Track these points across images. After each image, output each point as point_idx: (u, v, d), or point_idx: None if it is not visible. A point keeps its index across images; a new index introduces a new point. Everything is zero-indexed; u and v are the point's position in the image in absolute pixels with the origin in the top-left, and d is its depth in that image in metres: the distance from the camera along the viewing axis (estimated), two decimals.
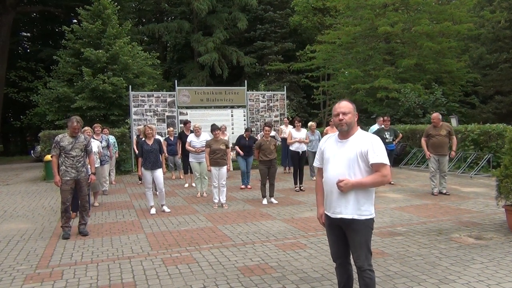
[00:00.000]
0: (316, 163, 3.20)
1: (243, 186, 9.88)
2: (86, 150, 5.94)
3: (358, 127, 3.02)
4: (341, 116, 2.92)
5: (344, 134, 2.97)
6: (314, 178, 10.70)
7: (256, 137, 11.07)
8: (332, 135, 3.15)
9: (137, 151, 8.14)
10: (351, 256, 3.04)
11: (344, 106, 2.96)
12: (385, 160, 2.87)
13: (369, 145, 2.87)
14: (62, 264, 4.61)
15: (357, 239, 2.92)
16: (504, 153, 5.92)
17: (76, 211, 6.55)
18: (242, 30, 25.93)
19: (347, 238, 3.00)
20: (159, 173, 7.23)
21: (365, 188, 2.88)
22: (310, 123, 10.43)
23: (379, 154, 2.85)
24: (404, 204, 7.44)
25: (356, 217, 2.87)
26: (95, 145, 7.76)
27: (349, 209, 2.88)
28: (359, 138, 2.94)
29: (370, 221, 2.94)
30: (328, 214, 3.02)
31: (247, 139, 9.68)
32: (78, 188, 5.84)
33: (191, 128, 10.52)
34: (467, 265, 4.21)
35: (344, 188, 2.83)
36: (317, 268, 4.26)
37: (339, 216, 2.92)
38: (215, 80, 26.33)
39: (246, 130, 10.07)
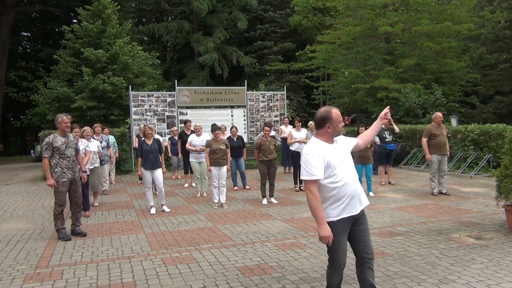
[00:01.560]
0: (319, 175, 2.88)
1: (236, 188, 9.78)
2: (75, 149, 5.89)
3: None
4: (342, 124, 3.13)
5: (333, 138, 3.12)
6: None
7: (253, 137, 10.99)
8: (316, 143, 3.00)
9: None
10: (362, 251, 3.08)
11: None
12: None
13: (343, 137, 3.18)
14: (62, 264, 4.61)
15: (367, 226, 3.11)
16: (504, 153, 5.92)
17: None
18: (242, 30, 25.93)
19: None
20: (158, 173, 7.23)
21: None
22: (310, 123, 10.43)
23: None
24: (404, 204, 7.44)
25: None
26: (95, 145, 7.76)
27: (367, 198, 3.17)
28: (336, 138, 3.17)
29: None
30: (352, 214, 2.97)
31: (235, 139, 9.34)
32: (74, 189, 5.78)
33: (192, 128, 10.51)
34: (467, 265, 4.21)
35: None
36: (317, 268, 4.26)
37: (365, 205, 3.09)
38: (215, 80, 26.33)
39: (231, 128, 9.63)
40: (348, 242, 3.06)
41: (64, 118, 5.66)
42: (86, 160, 6.89)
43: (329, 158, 2.92)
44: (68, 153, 5.67)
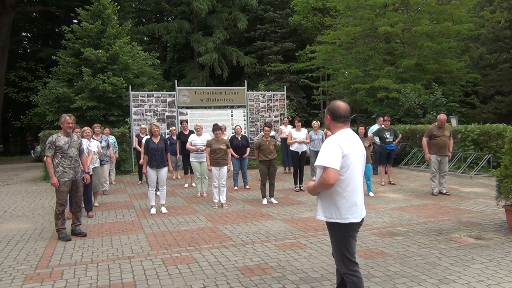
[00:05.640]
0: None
1: (236, 188, 9.77)
2: (79, 150, 5.89)
3: (342, 129, 2.94)
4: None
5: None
6: (314, 178, 10.70)
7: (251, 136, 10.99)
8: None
9: (138, 149, 8.10)
10: None
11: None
12: (323, 161, 2.76)
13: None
14: (62, 264, 4.61)
15: (331, 241, 3.06)
16: (504, 153, 5.92)
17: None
18: (242, 30, 25.94)
19: None
20: (163, 171, 7.27)
21: (317, 191, 2.93)
22: (313, 122, 10.41)
23: (320, 157, 2.83)
24: (404, 204, 7.43)
25: (324, 219, 2.96)
26: (95, 145, 7.75)
27: (318, 210, 3.03)
28: None
29: (336, 225, 2.89)
30: None
31: (239, 138, 9.52)
32: (74, 189, 5.78)
33: (190, 128, 10.50)
34: (467, 265, 4.21)
35: (308, 191, 3.03)
36: (317, 268, 4.26)
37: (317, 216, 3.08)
38: (215, 80, 26.34)
39: (236, 126, 9.90)
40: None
41: (67, 119, 5.68)
42: (89, 160, 6.89)
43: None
44: (70, 152, 5.66)
